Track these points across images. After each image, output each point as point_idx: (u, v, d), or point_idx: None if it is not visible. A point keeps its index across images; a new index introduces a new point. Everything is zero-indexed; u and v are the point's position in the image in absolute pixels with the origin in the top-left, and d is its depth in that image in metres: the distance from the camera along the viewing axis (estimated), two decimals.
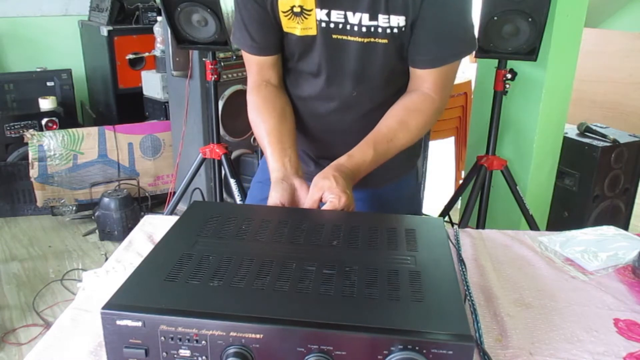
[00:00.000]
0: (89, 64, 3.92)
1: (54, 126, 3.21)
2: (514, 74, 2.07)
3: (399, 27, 1.04)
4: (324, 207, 0.97)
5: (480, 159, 2.23)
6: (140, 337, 0.64)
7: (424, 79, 1.10)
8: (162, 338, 0.64)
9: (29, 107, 3.29)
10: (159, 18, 3.16)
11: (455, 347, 0.61)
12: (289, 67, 1.18)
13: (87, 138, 3.10)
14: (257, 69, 1.17)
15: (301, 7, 1.05)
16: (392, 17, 1.03)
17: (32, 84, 3.38)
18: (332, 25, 1.06)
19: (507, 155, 2.38)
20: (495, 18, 1.92)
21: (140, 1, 3.60)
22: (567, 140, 2.47)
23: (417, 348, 0.61)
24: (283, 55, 1.16)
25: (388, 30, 1.04)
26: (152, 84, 3.29)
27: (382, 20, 1.03)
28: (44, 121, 3.20)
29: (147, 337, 0.64)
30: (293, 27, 1.08)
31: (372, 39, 1.06)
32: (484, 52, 2.01)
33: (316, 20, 1.05)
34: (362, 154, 1.05)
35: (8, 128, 3.17)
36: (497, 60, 2.07)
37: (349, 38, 1.06)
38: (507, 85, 2.09)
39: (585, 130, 2.51)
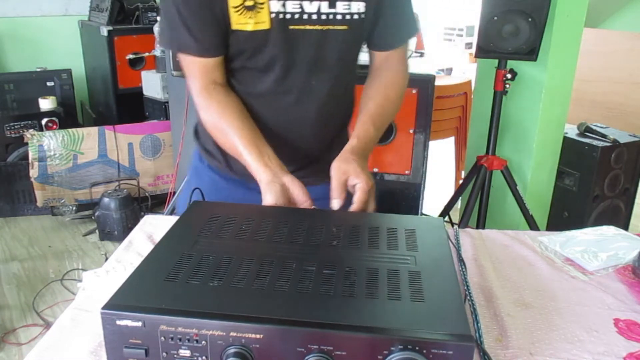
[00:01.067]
0: (89, 64, 3.92)
1: (54, 126, 3.21)
2: (514, 74, 2.07)
3: (358, 13, 1.06)
4: (357, 194, 0.98)
5: (480, 159, 2.23)
6: (140, 337, 0.64)
7: (389, 59, 1.18)
8: (162, 338, 0.64)
9: (29, 107, 3.29)
10: (159, 18, 3.16)
11: (455, 347, 0.61)
12: (235, 65, 1.13)
13: (87, 138, 3.10)
14: (203, 71, 1.11)
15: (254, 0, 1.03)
16: (353, 3, 1.05)
17: (32, 84, 3.39)
18: (288, 16, 1.04)
19: (507, 155, 2.38)
20: (495, 18, 1.92)
21: (140, 1, 3.60)
22: (567, 140, 2.47)
23: (417, 348, 0.61)
24: (228, 54, 1.12)
25: (347, 17, 1.06)
26: (152, 84, 3.29)
27: (341, 7, 1.05)
28: (44, 121, 3.20)
29: (147, 337, 0.64)
30: (244, 22, 1.05)
31: (331, 27, 1.06)
32: (484, 52, 2.01)
33: (269, 12, 1.04)
34: (366, 133, 1.09)
35: (8, 128, 3.17)
36: (497, 60, 2.08)
37: (307, 27, 1.06)
38: (507, 85, 2.09)
39: (585, 130, 2.51)
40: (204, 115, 1.13)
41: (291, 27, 1.05)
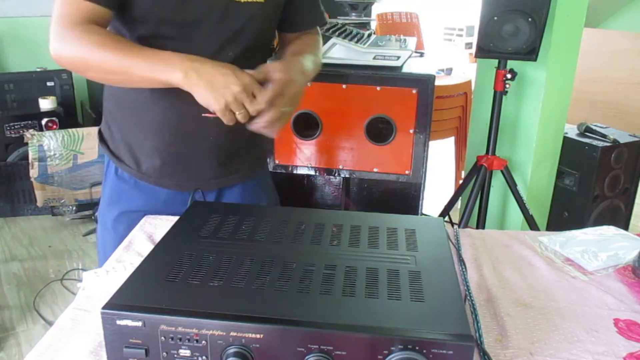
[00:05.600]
0: None
1: (54, 126, 3.21)
2: (514, 74, 2.07)
3: None
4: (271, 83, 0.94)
5: (480, 159, 2.23)
6: (140, 337, 0.65)
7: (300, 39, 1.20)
8: (162, 338, 0.64)
9: (29, 107, 3.29)
10: None
11: (455, 347, 0.61)
12: (141, 32, 1.02)
13: (87, 138, 3.10)
14: (83, 16, 0.99)
15: None
16: None
17: (32, 84, 3.38)
18: None
19: (507, 155, 2.38)
20: (495, 18, 1.92)
21: None
22: (567, 140, 2.47)
23: (417, 348, 0.61)
24: (132, 18, 1.01)
25: None
26: None
27: None
28: (44, 121, 3.20)
29: (147, 337, 0.64)
30: None
31: None
32: (484, 52, 2.01)
33: None
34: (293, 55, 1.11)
35: (8, 128, 3.17)
36: (497, 60, 2.08)
37: None
38: (507, 85, 2.09)
39: (585, 130, 2.51)
40: (81, 42, 0.99)
41: None
